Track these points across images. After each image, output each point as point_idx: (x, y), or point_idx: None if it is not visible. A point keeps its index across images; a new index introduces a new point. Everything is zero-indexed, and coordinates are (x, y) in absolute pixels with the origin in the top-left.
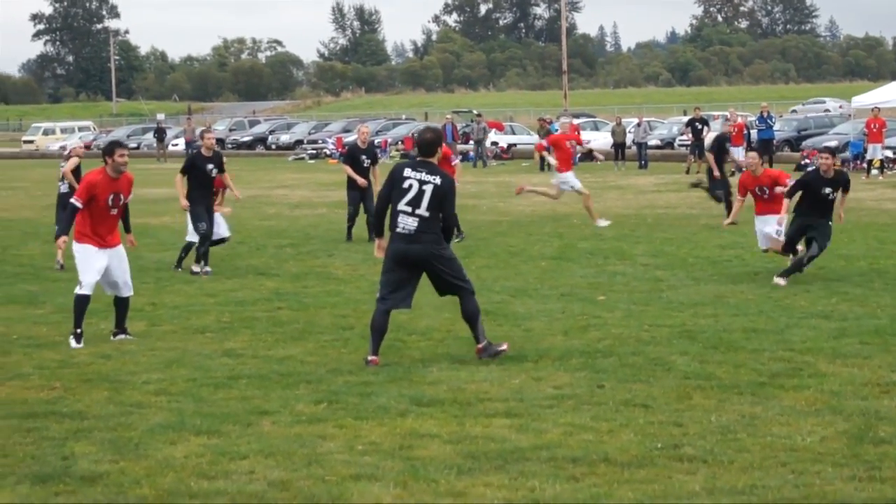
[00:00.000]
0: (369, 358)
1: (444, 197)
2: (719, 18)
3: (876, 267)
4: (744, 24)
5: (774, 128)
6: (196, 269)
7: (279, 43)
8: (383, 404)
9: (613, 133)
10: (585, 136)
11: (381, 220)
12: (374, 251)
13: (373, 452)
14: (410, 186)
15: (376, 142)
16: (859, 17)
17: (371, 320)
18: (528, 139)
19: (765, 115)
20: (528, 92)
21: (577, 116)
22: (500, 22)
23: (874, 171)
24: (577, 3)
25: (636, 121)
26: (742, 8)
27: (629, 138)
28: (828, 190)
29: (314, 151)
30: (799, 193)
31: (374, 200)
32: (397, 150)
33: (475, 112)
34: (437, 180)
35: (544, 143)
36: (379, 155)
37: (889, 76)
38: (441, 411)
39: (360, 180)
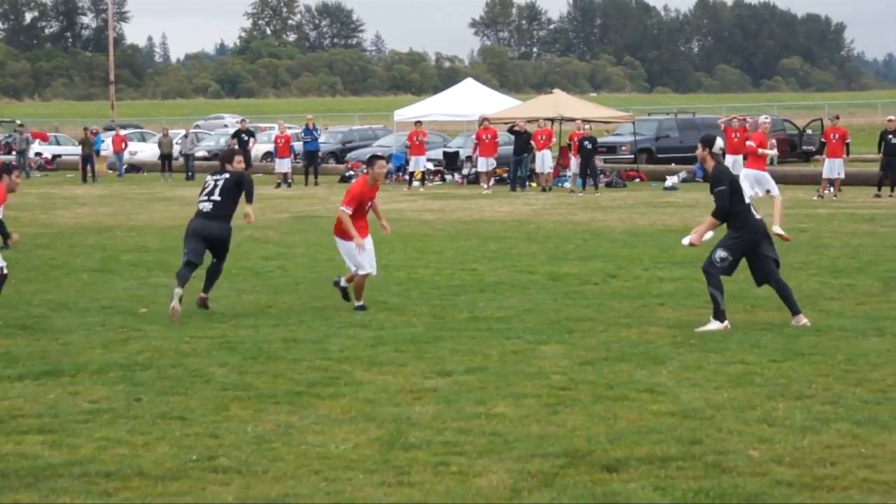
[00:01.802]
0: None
1: (233, 186)
2: (268, 31)
3: (413, 276)
4: (292, 37)
5: (320, 140)
6: None
7: None
8: None
9: (160, 144)
10: (133, 146)
11: None
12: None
13: None
14: (208, 184)
15: None
16: (404, 32)
17: (177, 273)
18: (73, 150)
19: (310, 127)
20: (74, 102)
21: (124, 128)
22: (46, 31)
23: (416, 183)
24: (125, 13)
25: (184, 132)
26: (290, 21)
27: (176, 150)
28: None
29: None
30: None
31: None
32: None
33: (18, 122)
34: (226, 176)
35: (753, 145)
36: None
37: (432, 90)
38: None
39: None
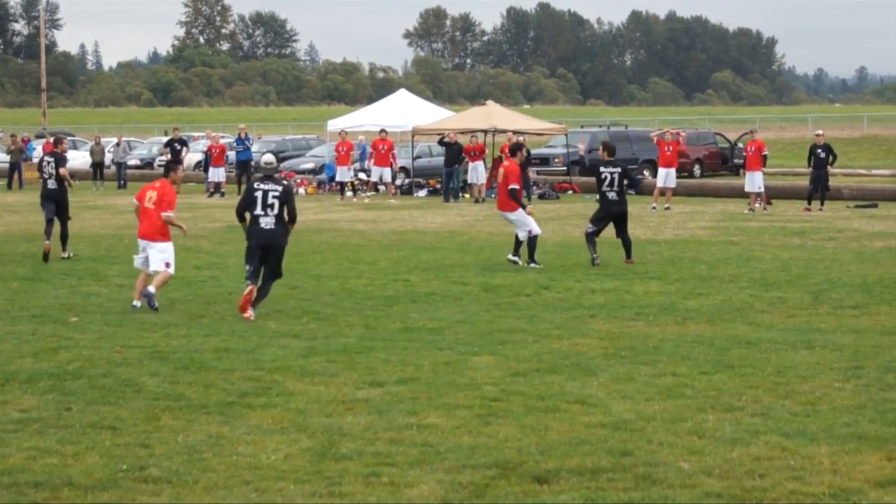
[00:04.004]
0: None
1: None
2: (201, 40)
3: (346, 287)
4: (225, 46)
5: (252, 149)
6: None
7: None
8: None
9: (92, 152)
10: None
11: None
12: None
13: None
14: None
15: None
16: (338, 42)
17: None
18: (1, 157)
19: (243, 136)
20: (6, 110)
21: (55, 135)
22: None
23: (349, 193)
24: (58, 20)
25: (115, 140)
26: (224, 30)
27: (108, 158)
28: None
29: None
30: None
31: None
32: None
33: None
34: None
35: None
36: None
37: (365, 100)
38: None
39: None
